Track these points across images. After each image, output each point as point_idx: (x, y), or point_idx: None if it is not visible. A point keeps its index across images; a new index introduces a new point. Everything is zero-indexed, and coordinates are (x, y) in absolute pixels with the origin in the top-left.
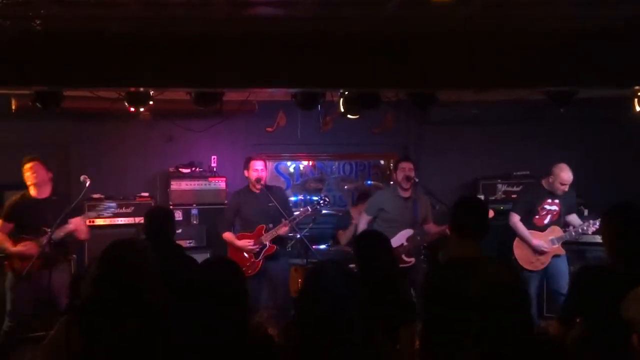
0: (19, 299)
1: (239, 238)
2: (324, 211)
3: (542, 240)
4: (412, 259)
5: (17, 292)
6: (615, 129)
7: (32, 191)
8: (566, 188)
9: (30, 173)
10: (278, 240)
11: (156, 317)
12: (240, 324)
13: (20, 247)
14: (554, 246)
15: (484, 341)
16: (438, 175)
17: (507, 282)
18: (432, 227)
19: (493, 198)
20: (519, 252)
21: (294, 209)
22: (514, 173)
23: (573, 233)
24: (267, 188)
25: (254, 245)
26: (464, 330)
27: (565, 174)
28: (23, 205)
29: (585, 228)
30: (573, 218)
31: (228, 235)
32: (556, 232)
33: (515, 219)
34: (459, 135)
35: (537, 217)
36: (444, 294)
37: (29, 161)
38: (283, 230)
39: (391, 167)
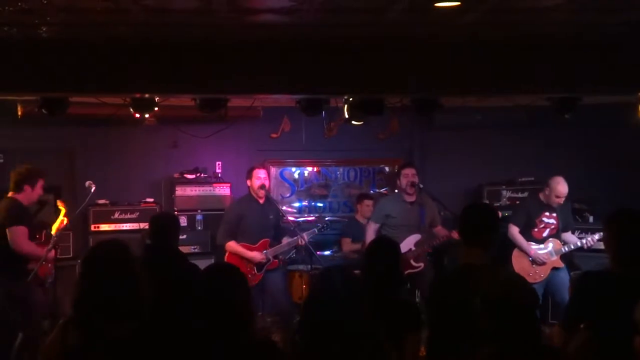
0: (40, 306)
1: (245, 249)
2: (327, 218)
3: (541, 252)
4: (421, 264)
5: (37, 299)
6: (621, 134)
7: (22, 197)
8: (561, 201)
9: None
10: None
11: (151, 317)
12: (244, 330)
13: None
14: (553, 258)
15: (494, 345)
16: (443, 181)
17: (519, 287)
18: (440, 230)
19: (498, 204)
20: (517, 264)
21: (298, 215)
22: (519, 179)
23: (572, 246)
24: (268, 200)
25: (264, 259)
26: (472, 336)
27: (561, 187)
28: (28, 210)
29: (584, 242)
30: (569, 236)
31: (234, 245)
32: (555, 244)
33: (514, 230)
34: (463, 141)
35: (535, 230)
36: (452, 300)
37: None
38: (287, 246)
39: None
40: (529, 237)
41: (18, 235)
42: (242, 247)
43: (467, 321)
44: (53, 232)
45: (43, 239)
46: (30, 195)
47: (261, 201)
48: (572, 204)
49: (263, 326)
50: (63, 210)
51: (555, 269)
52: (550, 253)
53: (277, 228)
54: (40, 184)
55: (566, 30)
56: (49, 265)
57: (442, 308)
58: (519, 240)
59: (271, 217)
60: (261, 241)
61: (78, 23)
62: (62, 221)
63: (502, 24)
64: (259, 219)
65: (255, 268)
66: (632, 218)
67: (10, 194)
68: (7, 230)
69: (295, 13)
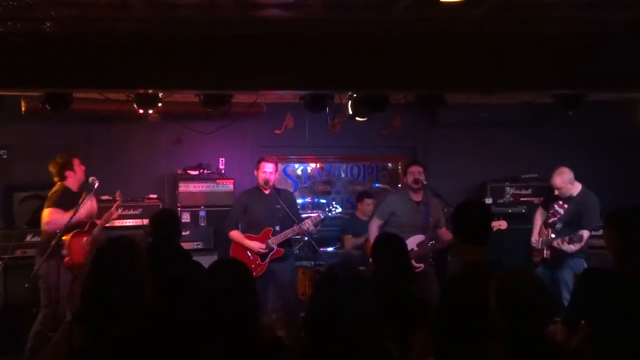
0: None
1: (247, 239)
2: (334, 203)
3: (540, 239)
4: (422, 265)
5: (64, 281)
6: (625, 131)
7: (70, 183)
8: (556, 192)
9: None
10: (285, 242)
11: (154, 316)
12: (249, 326)
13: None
14: (539, 247)
15: (503, 343)
16: (446, 178)
17: (526, 283)
18: (445, 233)
19: (501, 201)
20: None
21: (301, 212)
22: (522, 176)
23: (551, 238)
24: (276, 190)
25: (264, 248)
26: (483, 334)
27: (555, 179)
28: (72, 196)
29: (560, 242)
30: (585, 234)
31: (237, 234)
32: (548, 234)
33: (538, 211)
34: (467, 138)
35: (549, 214)
36: (464, 299)
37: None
38: (291, 233)
39: (399, 170)
40: (546, 221)
41: (49, 215)
42: (243, 237)
43: (479, 320)
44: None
45: (87, 228)
46: (75, 178)
47: (267, 192)
48: None
49: (268, 322)
50: (118, 201)
51: (546, 263)
52: (541, 241)
53: (290, 217)
54: (77, 162)
55: (570, 27)
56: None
57: (453, 307)
58: (535, 220)
59: (278, 206)
60: (264, 230)
61: (82, 18)
62: (112, 211)
63: (507, 21)
64: (263, 209)
65: (259, 258)
66: (633, 216)
67: (60, 182)
68: (44, 210)
69: (300, 9)
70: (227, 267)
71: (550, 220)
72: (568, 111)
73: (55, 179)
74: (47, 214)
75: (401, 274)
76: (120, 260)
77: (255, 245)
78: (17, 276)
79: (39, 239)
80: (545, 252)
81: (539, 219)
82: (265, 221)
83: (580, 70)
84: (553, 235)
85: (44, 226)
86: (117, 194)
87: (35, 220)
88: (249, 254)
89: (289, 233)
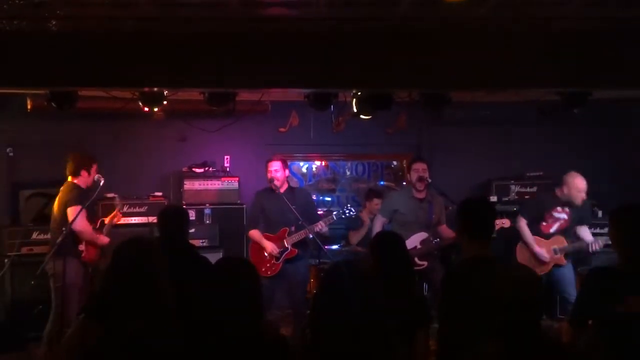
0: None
1: (265, 238)
2: (350, 206)
3: (544, 249)
4: (425, 262)
5: (75, 281)
6: (630, 130)
7: (80, 181)
8: (584, 195)
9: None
10: (300, 243)
11: (167, 315)
12: (253, 323)
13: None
14: (556, 256)
15: (505, 337)
16: (451, 176)
17: (528, 280)
18: (445, 231)
19: (506, 199)
20: (521, 256)
21: None
22: (527, 174)
23: (577, 246)
24: (291, 190)
25: (278, 249)
26: (485, 327)
27: (580, 181)
28: (87, 194)
29: (590, 246)
30: (584, 230)
31: (255, 234)
32: (559, 242)
33: (522, 222)
34: (472, 136)
35: (544, 224)
36: (464, 292)
37: None
38: (305, 234)
39: (404, 168)
40: (537, 231)
41: (78, 214)
42: (261, 236)
43: (480, 315)
44: (106, 221)
45: (97, 226)
46: (87, 179)
47: (280, 191)
48: None
49: (273, 320)
50: (118, 206)
51: (557, 265)
52: (553, 250)
53: (308, 216)
54: (94, 168)
55: (576, 24)
56: (98, 251)
57: (456, 302)
58: (525, 234)
59: (293, 206)
60: (280, 230)
61: (87, 17)
62: (115, 214)
63: (510, 19)
64: (277, 209)
65: (274, 257)
66: (636, 213)
67: (70, 179)
68: (67, 209)
69: (303, 7)
70: (232, 265)
71: (552, 230)
72: (573, 109)
73: (68, 172)
74: (76, 211)
75: (400, 271)
76: (137, 260)
77: (269, 246)
78: (23, 273)
79: (49, 236)
80: (562, 259)
81: (528, 230)
82: (281, 221)
83: (584, 69)
84: (567, 242)
85: (75, 225)
86: (117, 201)
87: (41, 217)
88: (265, 253)
89: (302, 234)
